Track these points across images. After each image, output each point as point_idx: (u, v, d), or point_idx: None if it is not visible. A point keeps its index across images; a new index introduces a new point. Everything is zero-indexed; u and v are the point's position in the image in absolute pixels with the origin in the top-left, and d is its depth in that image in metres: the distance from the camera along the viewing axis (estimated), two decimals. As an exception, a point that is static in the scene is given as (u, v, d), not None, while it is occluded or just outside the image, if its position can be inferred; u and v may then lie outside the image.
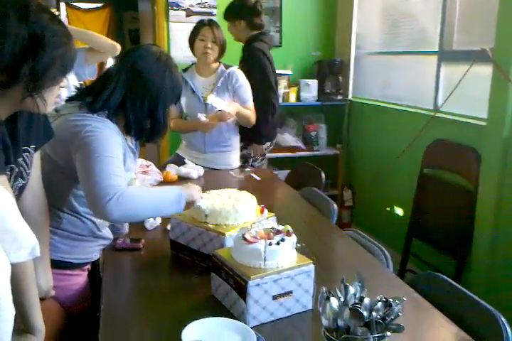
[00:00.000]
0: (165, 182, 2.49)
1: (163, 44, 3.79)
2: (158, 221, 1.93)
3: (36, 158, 1.24)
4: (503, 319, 1.21)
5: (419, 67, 3.30)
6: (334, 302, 0.99)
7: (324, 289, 1.02)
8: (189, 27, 3.32)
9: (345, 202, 4.12)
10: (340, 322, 0.96)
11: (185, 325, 1.16)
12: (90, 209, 1.45)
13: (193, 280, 1.51)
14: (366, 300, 0.97)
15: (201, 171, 2.63)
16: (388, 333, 0.96)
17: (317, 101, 3.98)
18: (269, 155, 3.84)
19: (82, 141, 1.40)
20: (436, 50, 3.05)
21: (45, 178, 1.34)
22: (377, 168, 3.60)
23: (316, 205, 2.31)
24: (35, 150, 1.21)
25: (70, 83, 2.30)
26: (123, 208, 1.35)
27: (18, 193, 1.19)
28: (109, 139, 1.43)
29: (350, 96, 4.10)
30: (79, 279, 1.57)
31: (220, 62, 2.76)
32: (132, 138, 1.60)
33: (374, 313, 0.95)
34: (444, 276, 1.48)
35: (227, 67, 2.75)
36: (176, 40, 3.77)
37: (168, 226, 1.84)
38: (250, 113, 2.77)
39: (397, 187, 3.46)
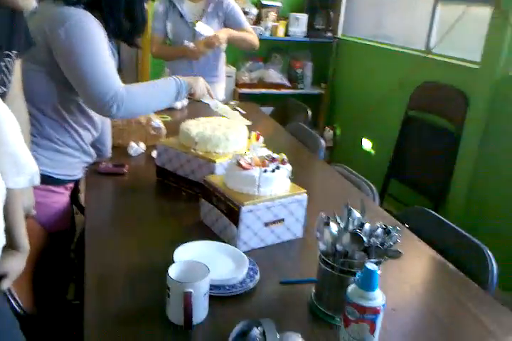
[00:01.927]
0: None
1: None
2: (142, 148, 1.87)
3: (17, 66, 1.14)
4: (490, 253, 1.23)
5: (414, 7, 3.18)
6: (334, 227, 0.97)
7: (323, 215, 1.01)
8: None
9: (325, 142, 4.10)
10: (338, 247, 0.95)
11: (175, 248, 1.14)
12: (92, 110, 1.46)
13: (181, 206, 1.48)
14: (367, 226, 0.96)
15: (185, 102, 2.54)
16: (385, 258, 0.96)
17: (305, 37, 3.83)
18: (253, 90, 3.76)
19: (65, 39, 1.31)
20: (434, -13, 2.92)
21: (28, 83, 1.26)
22: (362, 109, 3.57)
23: (302, 141, 2.28)
24: (17, 57, 1.11)
25: None
26: (126, 109, 1.38)
27: None
28: (95, 34, 1.35)
29: (339, 34, 3.95)
30: (61, 198, 1.52)
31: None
32: (110, 39, 1.49)
33: (373, 239, 0.95)
34: (432, 211, 1.50)
35: (216, -8, 2.58)
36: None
37: (153, 153, 1.79)
38: (248, 34, 2.61)
39: (379, 129, 3.45)
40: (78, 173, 1.58)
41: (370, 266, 0.85)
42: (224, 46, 2.61)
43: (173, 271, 0.95)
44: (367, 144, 3.62)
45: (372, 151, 3.57)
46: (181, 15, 2.56)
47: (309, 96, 3.97)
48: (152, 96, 1.49)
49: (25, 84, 1.26)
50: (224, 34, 2.47)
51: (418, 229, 1.42)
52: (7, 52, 1.05)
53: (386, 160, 3.21)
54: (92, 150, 1.60)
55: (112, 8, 1.40)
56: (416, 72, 2.97)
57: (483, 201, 2.57)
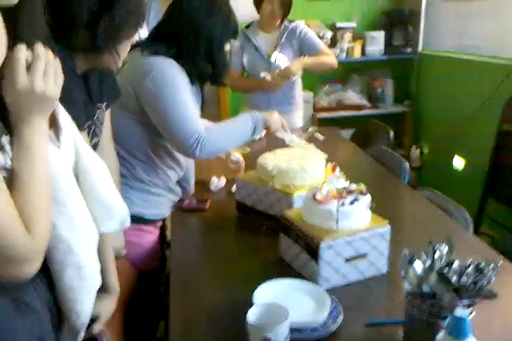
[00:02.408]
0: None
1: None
2: (223, 182, 1.90)
3: (107, 116, 1.22)
4: None
5: (502, 12, 2.97)
6: (418, 266, 0.91)
7: (407, 251, 0.94)
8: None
9: (412, 162, 3.93)
10: (425, 288, 0.88)
11: (255, 286, 1.13)
12: (178, 152, 1.55)
13: (261, 241, 1.48)
14: (455, 264, 0.88)
15: (263, 132, 2.56)
16: (479, 299, 0.87)
17: (383, 54, 3.73)
18: (332, 114, 3.72)
19: (152, 87, 1.40)
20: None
21: (121, 130, 1.35)
22: (450, 125, 3.37)
23: (385, 164, 2.19)
24: (107, 108, 1.20)
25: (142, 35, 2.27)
26: (209, 150, 1.45)
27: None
28: (178, 81, 1.43)
29: (420, 49, 3.81)
30: (151, 237, 1.58)
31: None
32: (195, 84, 1.57)
33: (464, 278, 0.87)
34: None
35: (290, 21, 2.61)
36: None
37: (233, 188, 1.82)
38: (324, 56, 2.58)
39: (471, 146, 3.23)
40: (166, 212, 1.65)
41: (459, 312, 0.77)
42: (299, 74, 2.61)
43: (252, 315, 0.94)
44: (458, 162, 3.41)
45: (465, 169, 3.35)
46: (256, 48, 2.62)
47: (392, 115, 3.83)
48: (231, 135, 1.54)
49: (119, 130, 1.35)
50: (297, 65, 2.48)
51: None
52: (98, 104, 1.13)
53: (481, 178, 2.98)
54: (178, 189, 1.67)
55: (193, 56, 1.48)
56: (507, 82, 2.76)
57: None
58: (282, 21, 2.59)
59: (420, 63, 3.79)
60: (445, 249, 0.94)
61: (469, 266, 0.89)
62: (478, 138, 3.11)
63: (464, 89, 3.27)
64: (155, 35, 1.52)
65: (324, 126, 3.17)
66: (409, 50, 3.77)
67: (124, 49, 1.08)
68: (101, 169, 0.93)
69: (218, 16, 1.48)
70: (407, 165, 2.07)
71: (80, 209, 0.85)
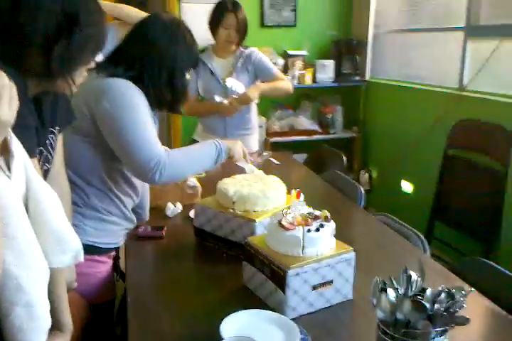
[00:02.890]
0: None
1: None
2: (179, 208, 1.85)
3: (59, 141, 1.15)
4: None
5: (443, 45, 3.15)
6: (391, 293, 0.90)
7: (378, 279, 0.93)
8: (202, 8, 3.18)
9: (362, 186, 4.01)
10: (399, 315, 0.87)
11: (220, 318, 1.08)
12: (136, 177, 1.49)
13: (222, 269, 1.43)
14: (428, 291, 0.88)
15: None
16: (452, 326, 0.87)
17: (334, 82, 3.85)
18: (284, 138, 3.76)
19: (109, 108, 1.35)
20: (463, 25, 2.90)
21: (74, 154, 1.28)
22: (397, 150, 3.49)
23: (340, 189, 2.22)
24: (59, 132, 1.13)
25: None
26: (169, 174, 1.40)
27: (43, 179, 1.11)
28: (137, 103, 1.39)
29: (367, 77, 3.96)
30: (104, 267, 1.50)
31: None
32: (153, 108, 1.52)
33: (437, 305, 0.86)
34: (489, 261, 1.39)
35: (245, 47, 2.63)
36: (189, 22, 3.61)
37: (191, 213, 1.77)
38: (279, 82, 2.61)
39: (418, 170, 3.35)
40: (121, 240, 1.57)
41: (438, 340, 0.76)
42: (256, 100, 2.63)
43: (221, 350, 0.89)
44: (406, 186, 3.52)
45: (412, 193, 3.46)
46: (212, 73, 2.61)
47: (342, 140, 3.93)
48: (193, 160, 1.51)
49: (71, 155, 1.28)
50: (254, 91, 2.49)
51: (475, 283, 1.31)
52: (51, 129, 1.07)
53: (428, 201, 3.08)
54: (133, 217, 1.60)
55: (154, 82, 1.45)
56: (451, 110, 2.90)
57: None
58: (238, 46, 2.61)
59: (368, 91, 3.94)
60: (415, 274, 0.93)
61: (441, 292, 0.89)
62: (424, 162, 3.24)
63: (410, 116, 3.41)
64: (112, 58, 1.48)
65: (277, 150, 3.19)
66: (357, 78, 3.91)
67: (80, 75, 1.03)
68: (52, 199, 0.87)
69: (182, 45, 1.47)
70: (362, 190, 2.10)
71: (31, 242, 0.78)
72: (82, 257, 0.93)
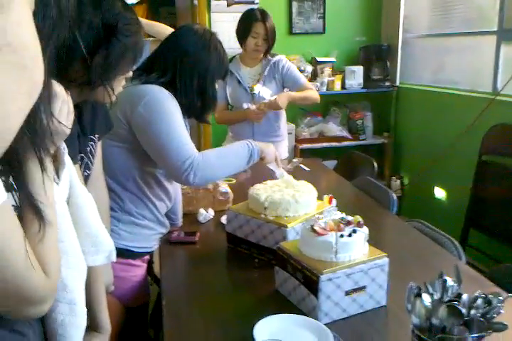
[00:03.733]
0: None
1: (204, 35, 3.72)
2: (211, 214, 1.87)
3: (99, 148, 1.20)
4: None
5: (476, 49, 3.10)
6: (426, 298, 0.89)
7: (413, 284, 0.93)
8: (231, 17, 3.23)
9: (393, 192, 3.97)
10: (434, 321, 0.86)
11: (252, 322, 1.09)
12: (172, 179, 1.54)
13: (254, 274, 1.44)
14: (465, 297, 0.87)
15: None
16: (489, 332, 0.86)
17: (363, 88, 3.83)
18: (313, 145, 3.76)
19: (144, 113, 1.39)
20: (495, 29, 2.85)
21: (110, 160, 1.32)
22: (429, 156, 3.44)
23: (371, 195, 2.20)
24: (99, 140, 1.17)
25: None
26: (204, 175, 1.42)
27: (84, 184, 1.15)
28: (170, 106, 1.43)
29: (397, 83, 3.92)
30: (139, 271, 1.53)
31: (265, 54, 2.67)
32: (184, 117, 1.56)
33: (473, 311, 0.85)
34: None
35: (272, 55, 2.66)
36: (218, 31, 3.65)
37: (223, 219, 1.79)
38: (308, 91, 2.64)
39: (450, 177, 3.29)
40: (154, 245, 1.60)
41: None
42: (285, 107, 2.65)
43: (255, 353, 0.90)
44: (439, 193, 3.46)
45: (446, 200, 3.39)
46: (239, 82, 2.64)
47: (372, 146, 3.90)
48: (227, 161, 1.53)
49: (107, 160, 1.32)
50: (284, 98, 2.51)
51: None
52: (91, 136, 1.11)
53: (462, 208, 3.02)
54: (166, 221, 1.63)
55: (185, 88, 1.49)
56: (485, 115, 2.85)
57: None
58: (265, 55, 2.64)
59: (398, 96, 3.90)
60: (451, 280, 0.92)
61: (477, 298, 0.88)
62: (458, 168, 3.18)
63: (442, 121, 3.36)
64: (146, 66, 1.53)
65: (306, 157, 3.19)
66: (387, 83, 3.87)
67: (119, 84, 1.07)
68: (91, 203, 0.91)
69: (213, 54, 1.52)
70: (394, 196, 2.08)
71: (75, 245, 0.82)
72: (114, 257, 0.96)
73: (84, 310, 0.86)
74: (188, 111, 1.55)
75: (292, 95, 2.56)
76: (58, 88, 0.70)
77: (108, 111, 1.22)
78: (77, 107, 1.06)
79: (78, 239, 0.84)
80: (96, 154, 1.19)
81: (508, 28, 2.80)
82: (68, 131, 0.72)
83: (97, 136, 1.17)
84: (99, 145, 1.22)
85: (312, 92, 2.65)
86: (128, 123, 1.42)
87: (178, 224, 1.76)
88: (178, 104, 1.47)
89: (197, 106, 1.54)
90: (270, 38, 2.55)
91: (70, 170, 0.85)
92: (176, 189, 1.68)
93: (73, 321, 0.82)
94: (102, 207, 1.30)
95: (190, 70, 1.49)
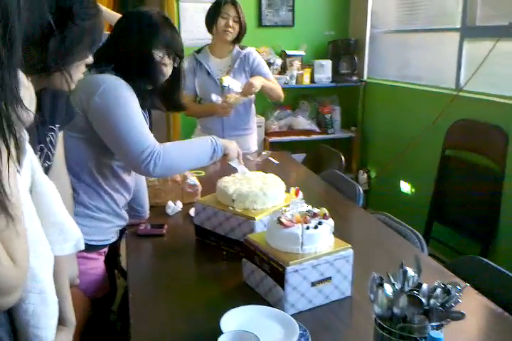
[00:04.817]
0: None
1: (173, 25, 3.67)
2: (180, 206, 1.86)
3: (60, 138, 1.17)
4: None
5: (440, 45, 3.18)
6: (388, 288, 0.92)
7: (375, 275, 0.95)
8: (200, 7, 3.20)
9: (360, 186, 4.03)
10: (396, 310, 0.89)
11: (220, 314, 1.09)
12: (132, 169, 1.52)
13: (222, 266, 1.45)
14: (424, 286, 0.90)
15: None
16: (447, 321, 0.89)
17: (331, 82, 3.87)
18: (283, 138, 3.78)
19: (100, 102, 1.37)
20: (459, 26, 2.93)
21: (67, 151, 1.29)
22: (395, 150, 3.51)
23: (338, 188, 2.24)
24: (59, 129, 1.15)
25: None
26: (164, 166, 1.41)
27: None
28: (127, 96, 1.41)
29: (365, 77, 3.98)
30: (96, 263, 1.51)
31: (234, 44, 2.66)
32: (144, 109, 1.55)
33: (433, 300, 0.88)
34: (485, 259, 1.41)
35: (242, 47, 2.65)
36: (187, 21, 3.65)
37: (191, 211, 1.78)
38: (276, 85, 2.66)
39: (416, 170, 3.37)
40: (112, 238, 1.59)
41: (434, 333, 0.78)
42: (253, 97, 2.65)
43: (221, 344, 0.91)
44: (404, 186, 3.54)
45: (411, 193, 3.48)
46: (208, 73, 2.63)
47: (340, 140, 3.95)
48: (189, 153, 1.52)
49: (64, 151, 1.29)
50: (258, 81, 2.50)
51: (472, 280, 1.33)
52: (51, 126, 1.08)
53: (426, 201, 3.11)
54: (125, 214, 1.61)
55: (137, 74, 1.46)
56: (448, 110, 2.93)
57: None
58: (234, 43, 2.62)
59: (365, 91, 3.96)
60: (412, 271, 0.95)
61: (436, 287, 0.91)
62: (423, 163, 3.26)
63: (408, 116, 3.43)
64: (101, 54, 1.49)
65: (275, 149, 3.21)
66: (354, 78, 3.92)
67: (77, 70, 1.04)
68: (53, 191, 0.90)
69: (160, 32, 1.48)
70: (360, 189, 2.12)
71: (40, 233, 0.81)
72: (82, 246, 0.95)
73: (55, 299, 0.85)
74: (143, 96, 1.50)
75: (264, 80, 2.56)
76: (19, 74, 0.68)
77: (69, 100, 1.19)
78: (37, 96, 1.04)
79: (44, 228, 0.83)
80: (57, 144, 1.16)
81: (471, 25, 2.88)
82: (32, 118, 0.70)
83: (57, 125, 1.14)
84: (60, 135, 1.19)
85: (279, 88, 2.67)
86: (84, 113, 1.39)
87: (145, 216, 1.75)
88: (134, 94, 1.45)
89: (146, 89, 1.52)
90: (241, 22, 2.53)
91: (31, 158, 0.83)
92: (139, 180, 1.67)
93: (45, 311, 0.81)
94: (66, 198, 1.28)
95: (139, 53, 1.46)
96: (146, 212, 1.76)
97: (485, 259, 1.40)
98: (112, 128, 1.39)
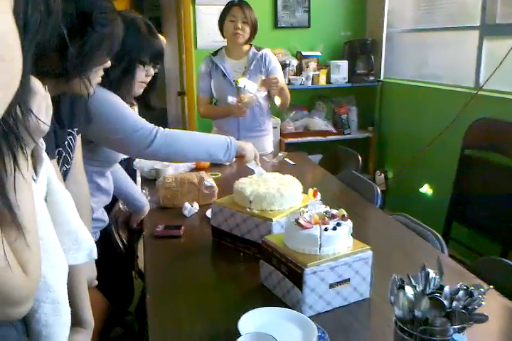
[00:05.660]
0: (197, 168, 2.43)
1: (189, 29, 3.68)
2: (196, 208, 1.86)
3: (78, 142, 1.18)
4: None
5: (459, 44, 3.14)
6: (409, 290, 0.90)
7: (396, 277, 0.94)
8: (216, 9, 3.21)
9: (377, 186, 3.99)
10: (417, 313, 0.87)
11: (237, 315, 1.09)
12: (134, 156, 1.58)
13: (239, 268, 1.44)
14: (446, 289, 0.88)
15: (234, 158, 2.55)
16: (470, 323, 0.87)
17: (348, 82, 3.84)
18: (299, 139, 3.77)
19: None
20: (478, 24, 2.88)
21: None
22: (413, 150, 3.47)
23: (356, 189, 2.21)
24: (78, 133, 1.15)
25: None
26: (169, 145, 1.44)
27: (63, 179, 1.13)
28: (112, 98, 1.44)
29: (382, 77, 3.95)
30: None
31: (250, 45, 2.66)
32: None
33: (455, 302, 0.86)
34: (507, 260, 1.38)
35: (258, 49, 2.65)
36: (203, 24, 3.66)
37: (208, 213, 1.78)
38: (287, 90, 2.66)
39: (434, 170, 3.33)
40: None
41: (457, 336, 0.76)
42: (266, 96, 2.64)
43: (240, 346, 0.90)
44: (422, 186, 3.49)
45: (430, 193, 3.43)
46: (224, 74, 2.63)
47: (356, 140, 3.92)
48: (198, 142, 1.54)
49: None
50: (280, 77, 2.51)
51: (493, 282, 1.30)
52: (69, 130, 1.09)
53: (445, 202, 3.06)
54: (102, 216, 1.64)
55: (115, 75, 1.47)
56: (467, 109, 2.88)
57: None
58: (247, 43, 2.62)
59: (382, 91, 3.92)
60: (433, 272, 0.94)
61: (459, 290, 0.89)
62: (441, 163, 3.21)
63: (426, 116, 3.39)
64: None
65: (291, 151, 3.19)
66: (371, 78, 3.89)
67: (96, 74, 1.05)
68: (69, 200, 0.89)
69: (136, 36, 1.49)
70: (378, 190, 2.09)
71: (55, 243, 0.80)
72: (95, 255, 0.94)
73: (68, 309, 0.84)
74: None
75: (282, 78, 2.57)
76: (37, 83, 0.68)
77: (87, 103, 1.20)
78: (55, 100, 1.04)
79: (58, 236, 0.83)
80: (75, 148, 1.17)
81: (491, 23, 2.83)
82: (47, 128, 0.70)
83: (75, 129, 1.15)
84: (78, 138, 1.20)
85: (288, 92, 2.67)
86: None
87: (146, 207, 1.80)
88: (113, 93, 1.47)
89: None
90: (250, 22, 2.52)
91: (48, 166, 0.84)
92: (123, 180, 1.75)
93: (57, 321, 0.80)
94: (83, 201, 1.29)
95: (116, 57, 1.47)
96: (146, 205, 1.81)
97: (506, 260, 1.37)
98: (108, 124, 1.41)
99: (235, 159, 2.51)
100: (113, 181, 1.70)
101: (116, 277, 1.75)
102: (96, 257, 0.96)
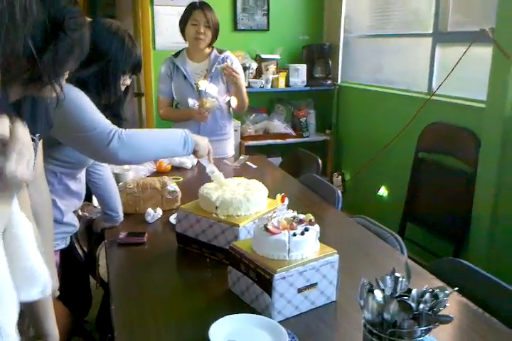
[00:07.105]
0: (158, 172, 2.41)
1: (147, 30, 3.63)
2: (159, 213, 1.84)
3: (40, 149, 1.14)
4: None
5: (413, 50, 3.25)
6: (378, 294, 0.92)
7: (365, 281, 0.96)
8: (175, 10, 3.18)
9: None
10: (386, 316, 0.90)
11: (206, 323, 1.09)
12: (95, 158, 1.50)
13: (206, 274, 1.43)
14: (414, 292, 0.91)
15: (195, 160, 2.54)
16: (436, 325, 0.90)
17: (306, 86, 3.90)
18: (259, 142, 3.79)
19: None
20: (431, 31, 3.00)
21: None
22: (369, 153, 3.57)
23: (317, 192, 2.25)
24: (39, 139, 1.11)
25: None
26: (127, 146, 1.39)
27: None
28: (80, 97, 1.41)
29: (339, 81, 4.03)
30: None
31: (212, 47, 2.65)
32: None
33: (422, 305, 0.90)
34: (464, 261, 1.44)
35: (220, 51, 2.64)
36: (162, 24, 3.61)
37: (171, 218, 1.77)
38: (245, 94, 2.66)
39: (389, 173, 3.43)
40: (58, 244, 1.55)
41: (428, 339, 0.79)
42: (234, 101, 2.65)
43: (213, 355, 0.90)
44: (378, 188, 3.59)
45: (385, 195, 3.53)
46: (185, 77, 2.61)
47: (315, 143, 3.99)
48: (156, 139, 1.50)
49: None
50: (241, 74, 2.52)
51: (451, 282, 1.36)
52: (31, 136, 1.05)
53: (400, 203, 3.17)
54: (74, 221, 1.60)
55: (95, 83, 1.47)
56: (421, 114, 2.99)
57: (507, 240, 2.50)
58: (209, 46, 2.61)
59: (339, 94, 4.01)
60: (402, 277, 0.96)
61: (425, 292, 0.92)
62: (396, 165, 3.32)
63: (381, 120, 3.49)
64: None
65: (251, 153, 3.21)
66: (328, 82, 3.97)
67: (63, 78, 1.02)
68: (29, 233, 0.83)
69: (120, 47, 1.48)
70: (339, 193, 2.14)
71: (6, 278, 0.74)
72: (49, 291, 0.88)
73: (14, 330, 0.79)
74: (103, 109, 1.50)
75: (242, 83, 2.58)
76: (20, 129, 0.63)
77: (48, 106, 1.16)
78: (16, 105, 1.00)
79: (13, 272, 0.76)
80: (37, 155, 1.13)
81: (443, 30, 2.95)
82: (30, 179, 0.65)
83: (37, 135, 1.11)
84: (39, 145, 1.16)
85: (247, 100, 2.69)
86: None
87: (120, 220, 1.74)
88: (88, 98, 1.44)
89: (109, 100, 1.52)
90: (212, 26, 2.51)
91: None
92: (107, 187, 1.71)
93: None
94: (45, 208, 1.25)
95: (96, 65, 1.45)
96: (120, 216, 1.76)
97: (463, 261, 1.43)
98: (67, 120, 1.37)
99: (195, 160, 2.51)
100: (103, 189, 1.71)
101: (75, 285, 1.70)
102: (50, 293, 0.90)
